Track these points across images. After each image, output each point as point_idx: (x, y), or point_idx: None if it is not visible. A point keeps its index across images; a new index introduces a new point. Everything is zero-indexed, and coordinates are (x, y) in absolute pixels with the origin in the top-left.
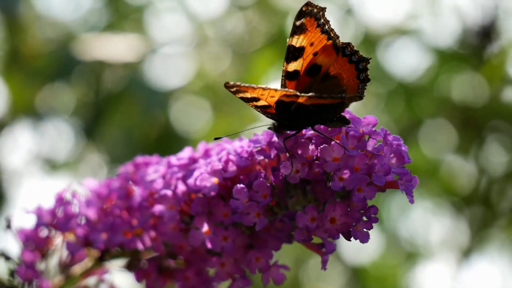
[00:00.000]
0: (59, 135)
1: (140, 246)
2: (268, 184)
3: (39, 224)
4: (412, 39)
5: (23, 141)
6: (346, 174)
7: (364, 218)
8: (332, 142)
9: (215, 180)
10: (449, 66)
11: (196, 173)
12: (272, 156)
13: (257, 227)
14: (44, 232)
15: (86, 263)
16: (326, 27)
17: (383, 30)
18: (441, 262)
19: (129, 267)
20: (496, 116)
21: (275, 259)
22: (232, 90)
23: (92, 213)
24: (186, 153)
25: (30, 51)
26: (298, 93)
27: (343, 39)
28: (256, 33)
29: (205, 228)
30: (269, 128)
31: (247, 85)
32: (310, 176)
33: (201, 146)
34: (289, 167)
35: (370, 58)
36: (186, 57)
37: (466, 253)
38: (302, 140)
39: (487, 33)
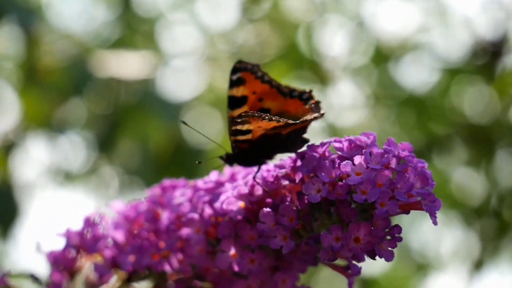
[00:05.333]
0: (73, 148)
1: (167, 268)
2: (294, 208)
3: (68, 245)
4: (423, 52)
5: (37, 154)
6: (368, 187)
7: (388, 237)
8: (355, 158)
9: (241, 204)
10: (459, 79)
11: (222, 197)
12: (297, 181)
13: (284, 250)
14: (72, 254)
15: (113, 284)
16: (266, 78)
17: (394, 43)
18: (453, 273)
19: None
20: (507, 131)
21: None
22: (239, 120)
23: (119, 236)
24: (212, 176)
25: (45, 66)
26: (289, 122)
27: (354, 52)
28: (267, 45)
29: (232, 251)
30: (220, 157)
31: (257, 114)
32: (333, 196)
33: (227, 170)
34: (311, 187)
35: (311, 90)
36: (197, 70)
37: (478, 265)
38: (326, 161)
39: (498, 46)
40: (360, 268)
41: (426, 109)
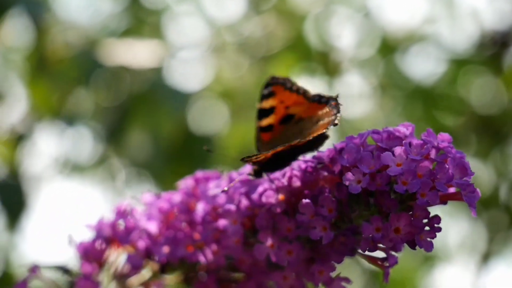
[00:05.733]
0: (81, 140)
1: (202, 259)
2: (334, 199)
3: (99, 236)
4: (429, 43)
5: (45, 146)
6: (409, 178)
7: (427, 228)
8: (395, 149)
9: (281, 196)
10: (466, 71)
11: (260, 189)
12: (336, 172)
13: (324, 241)
14: (103, 245)
15: (144, 275)
16: (294, 87)
17: (401, 34)
18: (460, 265)
19: (188, 279)
20: None
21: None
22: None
23: (153, 227)
24: (247, 168)
25: (54, 55)
26: (299, 141)
27: (361, 43)
28: (274, 37)
29: (269, 242)
30: (249, 174)
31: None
32: (373, 187)
33: None
34: (351, 178)
35: (338, 95)
36: (204, 62)
37: (485, 257)
38: (366, 152)
39: (505, 37)
40: (397, 258)
41: (433, 100)
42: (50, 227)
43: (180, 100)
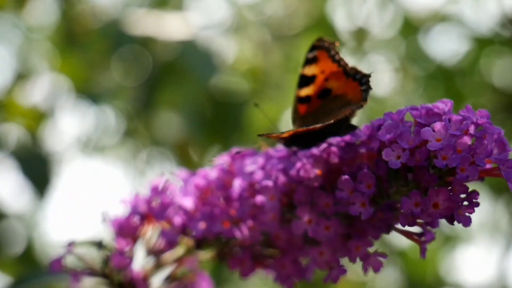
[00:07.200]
0: (105, 118)
1: (238, 235)
2: (372, 175)
3: (134, 212)
4: (452, 23)
5: (68, 124)
6: (449, 153)
7: (466, 203)
8: (434, 124)
9: (318, 171)
10: (489, 51)
11: (298, 164)
12: (374, 148)
13: (363, 217)
14: (137, 221)
15: (178, 251)
16: (337, 57)
17: (423, 14)
18: (481, 246)
19: (221, 255)
20: None
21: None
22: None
23: (189, 203)
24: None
25: (81, 28)
26: (310, 127)
27: (383, 23)
28: (296, 17)
29: (307, 217)
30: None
31: (279, 132)
32: (413, 163)
33: None
34: (391, 154)
35: (371, 74)
36: (226, 41)
37: (507, 237)
38: (403, 128)
39: None
40: (434, 234)
41: (455, 80)
42: (72, 206)
43: (209, 66)
